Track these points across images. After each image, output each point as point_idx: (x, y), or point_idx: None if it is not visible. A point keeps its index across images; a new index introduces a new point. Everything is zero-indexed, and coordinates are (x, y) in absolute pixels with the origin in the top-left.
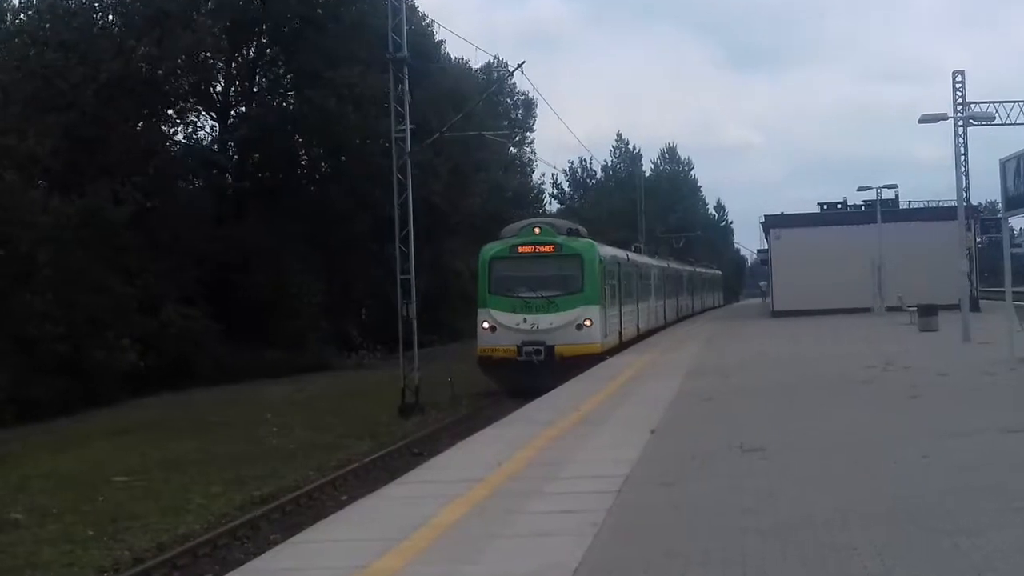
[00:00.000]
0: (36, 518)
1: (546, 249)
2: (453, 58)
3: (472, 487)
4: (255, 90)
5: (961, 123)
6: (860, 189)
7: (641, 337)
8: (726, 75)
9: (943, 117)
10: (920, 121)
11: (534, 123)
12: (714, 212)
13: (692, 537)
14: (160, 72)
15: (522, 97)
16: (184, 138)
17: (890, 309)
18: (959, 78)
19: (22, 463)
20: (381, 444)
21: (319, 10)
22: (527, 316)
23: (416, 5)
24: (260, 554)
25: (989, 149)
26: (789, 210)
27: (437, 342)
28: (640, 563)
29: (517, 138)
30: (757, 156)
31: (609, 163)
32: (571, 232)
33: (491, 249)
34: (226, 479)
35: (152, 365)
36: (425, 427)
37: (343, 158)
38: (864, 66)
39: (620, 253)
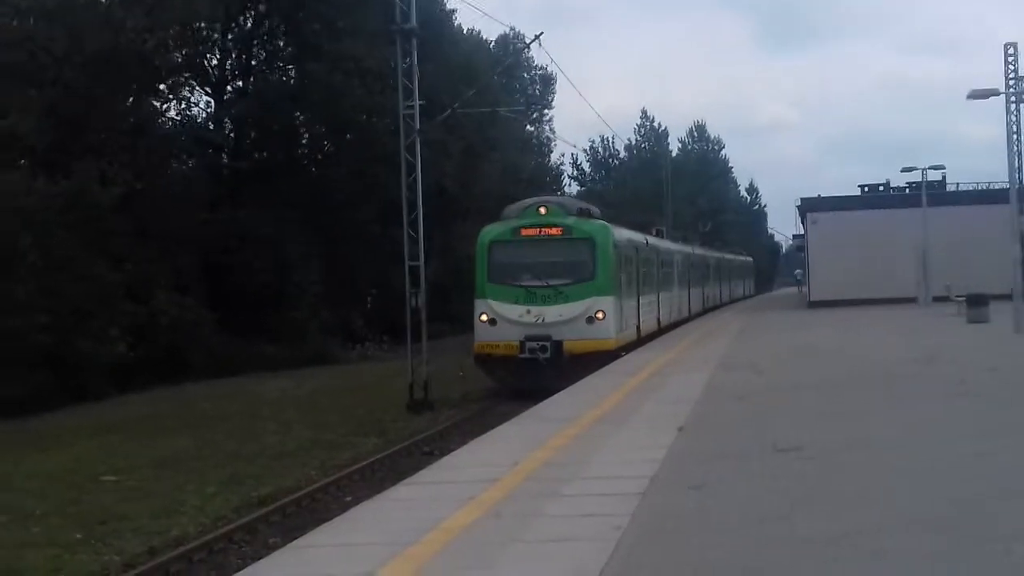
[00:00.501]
0: (19, 520)
1: (553, 231)
2: (466, 29)
3: (486, 488)
4: (253, 63)
5: (1014, 99)
6: (904, 170)
7: (662, 331)
8: (760, 49)
9: (994, 93)
10: (969, 97)
11: (553, 100)
12: (746, 195)
13: (723, 545)
14: (151, 44)
15: (540, 72)
16: (177, 115)
17: (936, 299)
18: (1011, 51)
19: (3, 461)
20: (388, 442)
21: None
22: (531, 307)
23: None
24: (259, 559)
25: None
26: (827, 193)
27: (448, 333)
28: (667, 572)
29: (534, 115)
30: (793, 135)
31: (633, 142)
32: (582, 212)
33: (491, 232)
34: (222, 478)
35: (142, 357)
36: (435, 424)
37: (347, 136)
38: (908, 38)
39: (638, 237)
